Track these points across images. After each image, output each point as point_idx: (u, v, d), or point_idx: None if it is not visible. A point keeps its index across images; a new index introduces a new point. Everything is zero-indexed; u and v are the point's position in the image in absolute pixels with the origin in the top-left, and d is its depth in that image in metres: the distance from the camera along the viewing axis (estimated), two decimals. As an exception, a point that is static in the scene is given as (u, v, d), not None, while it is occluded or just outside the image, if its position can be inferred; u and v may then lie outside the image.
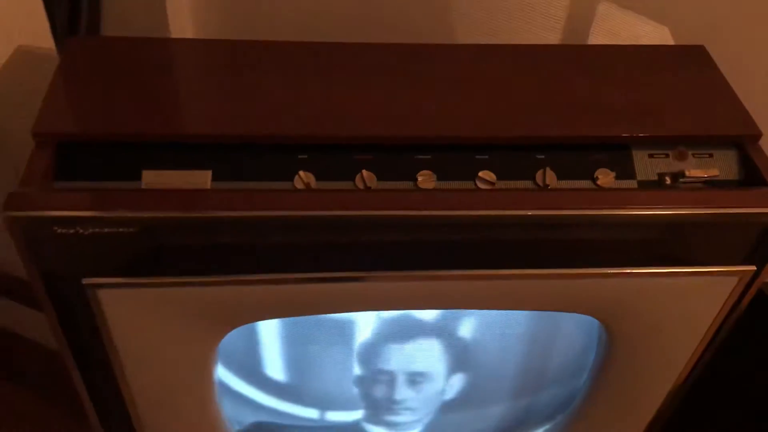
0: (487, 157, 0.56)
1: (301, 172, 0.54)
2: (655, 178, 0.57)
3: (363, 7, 0.74)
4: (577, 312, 0.58)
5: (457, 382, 0.69)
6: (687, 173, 0.57)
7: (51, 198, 0.49)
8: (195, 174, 0.53)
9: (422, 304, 0.58)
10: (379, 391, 0.68)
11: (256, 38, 0.62)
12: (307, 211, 0.50)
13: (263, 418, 0.70)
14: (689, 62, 0.64)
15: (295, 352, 0.65)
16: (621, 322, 0.59)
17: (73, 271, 0.50)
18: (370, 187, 0.53)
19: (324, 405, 0.71)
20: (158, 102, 0.56)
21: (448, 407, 0.71)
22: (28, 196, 0.48)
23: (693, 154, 0.58)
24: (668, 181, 0.57)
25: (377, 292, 0.55)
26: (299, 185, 0.53)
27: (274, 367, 0.66)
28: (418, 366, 0.67)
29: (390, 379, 0.67)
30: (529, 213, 0.51)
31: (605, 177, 0.56)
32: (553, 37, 0.75)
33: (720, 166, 0.58)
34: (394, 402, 0.69)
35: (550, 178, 0.55)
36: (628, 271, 0.54)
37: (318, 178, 0.54)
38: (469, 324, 0.64)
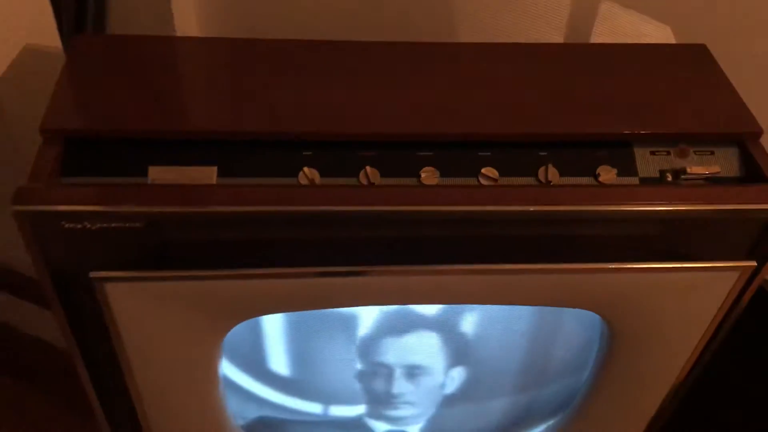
0: (489, 154, 0.56)
1: (305, 168, 0.54)
2: (657, 175, 0.57)
3: (366, 6, 0.74)
4: (578, 307, 0.58)
5: (457, 376, 0.69)
6: (688, 170, 0.57)
7: (59, 193, 0.49)
8: (201, 170, 0.54)
9: (426, 299, 0.58)
10: (379, 385, 0.69)
11: (260, 37, 0.63)
12: (311, 206, 0.50)
13: (266, 412, 0.71)
14: (691, 61, 0.65)
15: (297, 346, 0.65)
16: (623, 318, 0.59)
17: (80, 266, 0.51)
18: (373, 183, 0.54)
19: (326, 399, 0.71)
20: (164, 99, 0.57)
21: (449, 402, 0.72)
22: (36, 190, 0.49)
23: (694, 152, 0.58)
24: (669, 178, 0.57)
25: (381, 286, 0.55)
26: (303, 181, 0.54)
27: (277, 361, 0.67)
28: (417, 359, 0.67)
29: (388, 372, 0.67)
30: (531, 209, 0.52)
31: (607, 174, 0.56)
32: (555, 37, 0.76)
33: (721, 163, 0.58)
34: (392, 396, 0.70)
35: (553, 174, 0.56)
36: (630, 266, 0.55)
37: (322, 175, 0.54)
38: (468, 318, 0.65)
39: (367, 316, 0.63)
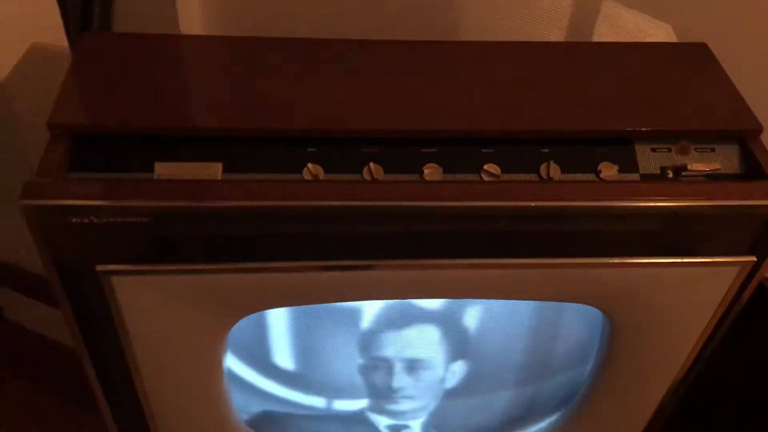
0: (492, 150, 0.57)
1: (309, 165, 0.55)
2: (658, 171, 0.58)
3: (370, 5, 0.75)
4: (579, 302, 0.59)
5: (458, 370, 0.70)
6: (689, 167, 0.58)
7: (66, 187, 0.50)
8: (206, 166, 0.54)
9: (428, 293, 0.59)
10: (379, 379, 0.69)
11: (264, 35, 0.64)
12: (315, 201, 0.51)
13: (269, 407, 0.71)
14: (692, 59, 0.65)
15: (299, 339, 0.66)
16: (624, 313, 0.60)
17: (87, 260, 0.52)
18: (377, 179, 0.54)
19: (328, 393, 0.72)
20: (170, 96, 0.58)
21: (450, 396, 0.72)
22: (44, 185, 0.49)
23: (695, 149, 0.59)
24: (670, 174, 0.58)
25: (384, 280, 0.56)
26: (308, 177, 0.54)
27: (279, 354, 0.67)
28: (417, 353, 0.67)
29: (388, 366, 0.68)
30: (533, 204, 0.52)
31: (608, 170, 0.57)
32: (557, 36, 0.76)
33: (721, 160, 0.59)
34: (393, 390, 0.70)
35: (554, 171, 0.56)
36: (631, 261, 0.55)
37: (326, 171, 0.55)
38: (468, 313, 0.65)
39: (368, 311, 0.63)
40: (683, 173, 0.58)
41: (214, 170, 0.54)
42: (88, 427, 1.05)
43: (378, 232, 0.53)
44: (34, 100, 0.72)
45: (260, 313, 0.59)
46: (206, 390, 0.62)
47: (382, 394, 0.71)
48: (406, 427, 0.75)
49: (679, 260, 0.56)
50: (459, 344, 0.67)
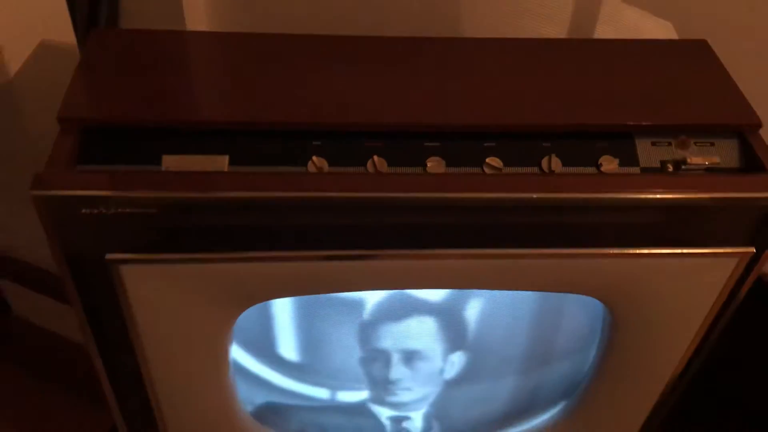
0: (494, 144, 0.58)
1: (314, 158, 0.55)
2: (658, 165, 0.59)
3: (374, 3, 0.76)
4: (581, 293, 0.60)
5: (457, 361, 0.70)
6: (689, 161, 0.58)
7: (75, 178, 0.51)
8: (213, 159, 0.55)
9: (431, 283, 0.59)
10: (379, 371, 0.70)
11: (269, 32, 0.65)
12: (319, 192, 0.52)
13: (273, 398, 0.72)
14: (692, 55, 0.66)
15: (302, 331, 0.67)
16: (624, 304, 0.60)
17: (96, 250, 0.52)
18: (381, 172, 0.55)
19: (329, 384, 0.72)
20: (176, 90, 0.59)
21: (450, 388, 0.73)
22: (54, 176, 0.50)
23: (695, 143, 0.60)
24: (670, 168, 0.59)
25: (387, 270, 0.56)
26: (313, 170, 0.55)
27: (283, 345, 0.68)
28: (416, 344, 0.68)
29: (388, 358, 0.68)
30: (535, 196, 0.53)
31: (609, 164, 0.58)
32: (558, 34, 0.77)
33: (721, 154, 0.59)
34: (392, 381, 0.71)
35: (556, 164, 0.57)
36: (631, 251, 0.56)
37: (331, 164, 0.56)
38: (467, 304, 0.66)
39: (368, 302, 0.64)
40: (683, 167, 0.58)
41: (220, 163, 0.55)
42: (96, 422, 1.06)
43: (382, 223, 0.54)
44: (43, 95, 0.73)
45: (263, 304, 0.59)
46: (213, 380, 0.63)
47: (382, 386, 0.72)
48: (408, 418, 0.76)
49: (678, 251, 0.56)
50: (458, 335, 0.68)
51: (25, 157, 0.82)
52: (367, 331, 0.66)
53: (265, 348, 0.68)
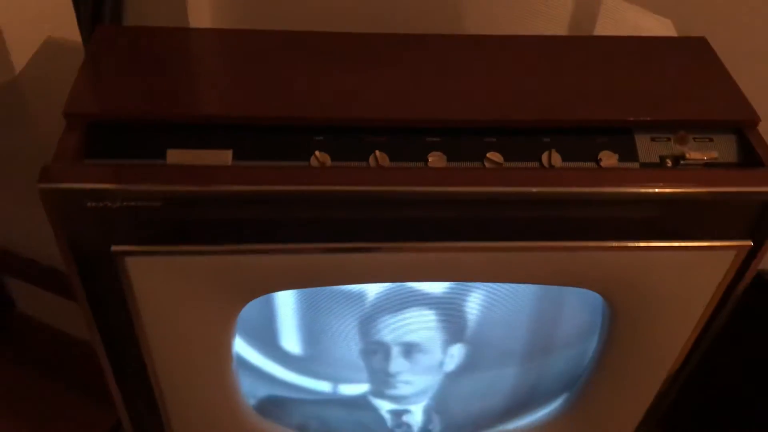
0: (495, 139, 0.58)
1: (317, 152, 0.56)
2: (657, 160, 0.59)
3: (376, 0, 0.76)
4: (580, 286, 0.60)
5: (457, 354, 0.71)
6: (687, 156, 0.59)
7: (81, 171, 0.51)
8: (216, 153, 0.56)
9: (432, 275, 0.60)
10: (379, 364, 0.70)
11: (272, 29, 0.65)
12: (321, 186, 0.52)
13: (276, 391, 0.73)
14: (691, 52, 0.67)
15: (302, 323, 0.67)
16: (623, 297, 0.61)
17: (102, 243, 0.53)
18: (383, 167, 0.56)
19: (330, 377, 0.73)
20: (180, 86, 0.59)
21: (450, 381, 0.73)
22: (60, 169, 0.51)
23: (694, 138, 0.60)
24: (669, 163, 0.59)
25: (390, 262, 0.57)
26: (315, 164, 0.56)
27: (286, 338, 0.69)
28: (415, 337, 0.69)
29: (386, 350, 0.69)
30: (535, 190, 0.53)
31: (609, 159, 0.58)
32: (558, 31, 0.77)
33: (720, 149, 0.60)
34: (391, 374, 0.71)
35: (556, 159, 0.58)
36: (630, 244, 0.57)
37: (333, 159, 0.56)
38: (467, 296, 0.66)
39: (369, 295, 0.65)
40: (682, 162, 0.59)
41: (224, 157, 0.56)
42: (100, 419, 1.06)
43: (384, 216, 0.55)
44: (48, 92, 0.73)
45: (265, 297, 0.60)
46: (216, 373, 0.64)
47: (382, 378, 0.72)
48: (408, 411, 0.76)
49: (677, 244, 0.57)
50: (457, 328, 0.68)
51: (30, 153, 0.82)
52: (367, 323, 0.67)
53: (267, 340, 0.69)
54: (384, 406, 0.75)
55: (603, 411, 0.73)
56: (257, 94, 0.59)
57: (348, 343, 0.68)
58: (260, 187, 0.52)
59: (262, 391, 0.72)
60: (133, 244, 0.53)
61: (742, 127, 0.60)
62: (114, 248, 0.52)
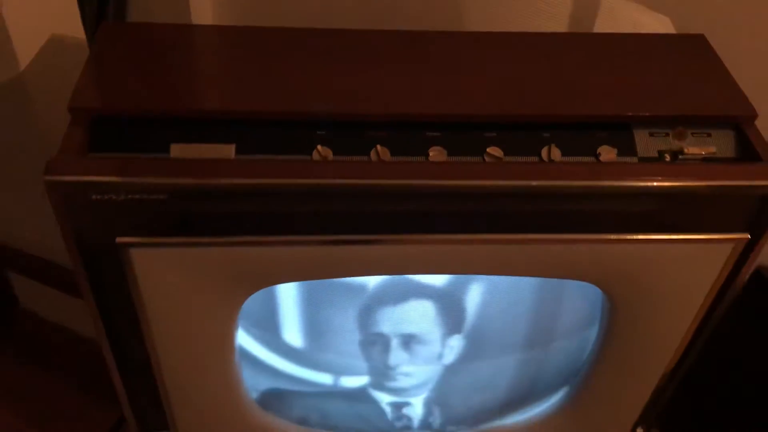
0: (495, 134, 0.59)
1: (319, 147, 0.57)
2: (656, 155, 0.60)
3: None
4: (579, 279, 0.61)
5: (455, 345, 0.71)
6: (686, 151, 0.59)
7: (86, 164, 0.52)
8: (220, 147, 0.56)
9: (433, 268, 0.61)
10: (377, 355, 0.71)
11: (273, 26, 0.66)
12: (324, 179, 0.53)
13: (278, 384, 0.73)
14: (689, 49, 0.67)
15: (303, 315, 0.68)
16: (622, 290, 0.61)
17: (107, 236, 0.54)
18: (384, 161, 0.57)
19: (331, 369, 0.73)
20: (184, 81, 0.60)
21: (449, 374, 0.74)
22: (65, 162, 0.52)
23: (692, 133, 0.61)
24: (668, 158, 0.60)
25: (390, 255, 0.58)
26: (317, 159, 0.57)
27: (288, 330, 0.69)
28: (414, 329, 0.69)
29: (386, 342, 0.70)
30: (534, 183, 0.54)
31: (607, 154, 0.59)
32: (558, 28, 0.78)
33: (718, 144, 0.60)
34: (390, 366, 0.72)
35: (555, 154, 0.58)
36: (628, 237, 0.57)
37: (335, 153, 0.57)
38: (465, 288, 0.67)
39: (369, 287, 0.65)
40: (680, 157, 0.60)
41: (227, 152, 0.56)
42: (103, 416, 1.06)
43: (385, 209, 0.55)
44: (52, 89, 0.74)
45: (267, 289, 0.60)
46: (220, 366, 0.64)
47: (382, 371, 0.73)
48: (408, 404, 0.77)
49: (675, 237, 0.57)
50: (456, 319, 0.69)
51: (34, 149, 0.83)
52: (367, 315, 0.67)
53: (268, 332, 0.69)
54: (384, 399, 0.76)
55: (603, 404, 0.74)
56: (260, 89, 0.59)
57: (348, 335, 0.69)
58: (263, 180, 0.53)
59: (264, 383, 0.73)
60: (138, 236, 0.54)
61: (739, 122, 0.61)
62: (119, 240, 0.53)
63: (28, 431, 1.05)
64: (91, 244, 0.55)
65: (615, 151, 0.59)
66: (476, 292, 0.67)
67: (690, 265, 0.59)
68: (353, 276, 0.61)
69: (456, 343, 0.71)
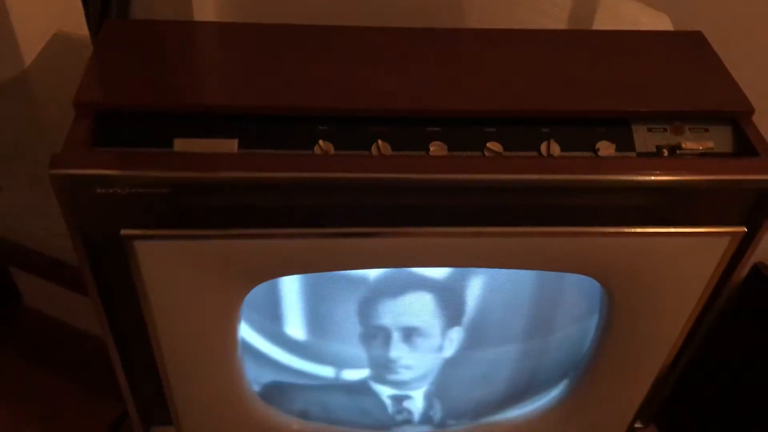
0: (494, 130, 0.60)
1: (320, 142, 0.57)
2: (654, 150, 0.60)
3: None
4: (578, 272, 0.61)
5: (455, 338, 0.72)
6: (684, 146, 0.60)
7: (91, 158, 0.53)
8: (222, 142, 0.57)
9: (433, 260, 0.61)
10: (378, 348, 0.71)
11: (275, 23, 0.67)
12: (325, 173, 0.54)
13: (279, 377, 0.74)
14: (687, 46, 0.68)
15: (304, 307, 0.68)
16: (621, 283, 0.62)
17: (111, 229, 0.54)
18: (385, 155, 0.57)
19: (332, 362, 0.74)
20: (187, 77, 0.61)
21: (449, 367, 0.74)
22: (70, 156, 0.52)
23: (689, 129, 0.61)
24: (666, 153, 0.60)
25: (391, 247, 0.58)
26: (319, 153, 0.57)
27: (290, 323, 0.70)
28: (415, 321, 0.70)
29: (386, 335, 0.70)
30: (534, 177, 0.55)
31: (606, 149, 0.59)
32: (557, 26, 0.79)
33: (715, 140, 0.61)
34: (391, 359, 0.72)
35: (554, 149, 0.59)
36: (626, 230, 0.58)
37: (336, 148, 0.58)
38: (467, 281, 0.67)
39: (369, 279, 0.66)
40: (678, 152, 0.60)
41: (230, 146, 0.57)
42: (106, 412, 1.07)
43: (385, 203, 0.56)
44: (56, 85, 0.75)
45: (268, 282, 0.61)
46: (222, 358, 0.65)
47: (383, 363, 0.73)
48: (409, 397, 0.77)
49: (673, 230, 0.58)
50: (455, 311, 0.69)
51: (38, 146, 0.84)
52: (368, 307, 0.68)
53: (270, 325, 0.70)
54: (385, 392, 0.77)
55: (601, 398, 0.74)
56: (262, 85, 0.60)
57: (349, 327, 0.69)
58: (265, 174, 0.53)
59: (266, 377, 0.74)
60: (142, 229, 0.55)
61: (737, 117, 0.62)
62: (123, 232, 0.53)
63: (29, 427, 1.05)
64: (96, 238, 0.56)
65: (614, 146, 0.60)
66: (476, 284, 0.67)
67: (688, 257, 0.60)
68: (355, 268, 0.62)
69: (456, 335, 0.71)
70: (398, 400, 0.77)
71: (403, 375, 0.75)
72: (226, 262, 0.56)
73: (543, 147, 0.59)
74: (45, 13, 0.76)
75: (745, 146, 0.60)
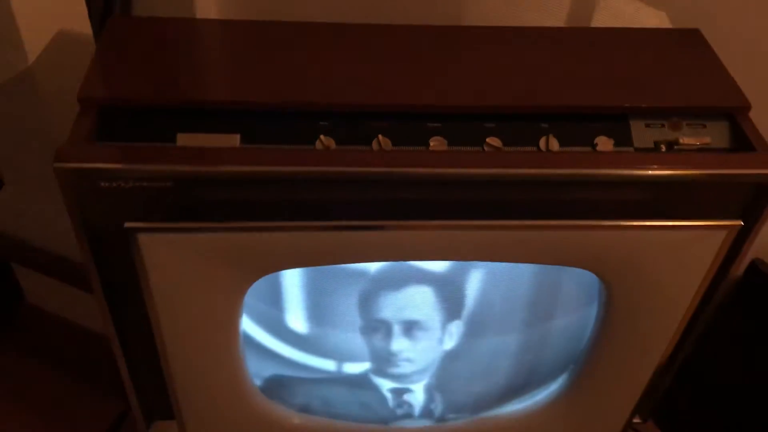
0: (494, 125, 0.60)
1: (322, 137, 0.58)
2: (652, 145, 0.61)
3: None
4: (576, 266, 0.62)
5: (455, 331, 0.72)
6: (681, 141, 0.61)
7: (95, 152, 0.53)
8: (225, 137, 0.58)
9: (433, 254, 0.62)
10: (378, 341, 0.72)
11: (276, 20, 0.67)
12: (326, 167, 0.54)
13: (281, 371, 0.74)
14: (685, 43, 0.69)
15: (305, 301, 0.69)
16: (619, 276, 0.62)
17: (115, 222, 0.55)
18: (385, 150, 0.58)
19: (332, 355, 0.74)
20: (190, 73, 0.61)
21: (449, 360, 0.75)
22: (75, 150, 0.53)
23: (687, 124, 0.62)
24: (663, 148, 0.61)
25: (392, 241, 0.59)
26: (320, 148, 0.58)
27: (291, 316, 0.70)
28: (415, 315, 0.70)
29: (387, 328, 0.71)
30: (533, 171, 0.55)
31: (604, 144, 0.60)
32: (556, 23, 0.79)
33: (713, 135, 0.62)
34: (392, 352, 0.73)
35: (553, 144, 0.60)
36: (624, 223, 0.58)
37: (337, 143, 0.58)
38: (467, 275, 0.68)
39: (369, 273, 0.67)
40: (675, 147, 0.61)
41: (232, 141, 0.58)
42: (109, 410, 1.07)
43: (386, 197, 0.57)
44: (60, 83, 0.75)
45: (270, 275, 0.62)
46: (225, 351, 0.65)
47: (383, 357, 0.74)
48: (409, 390, 0.78)
49: (670, 223, 0.59)
50: (455, 305, 0.70)
51: (42, 143, 0.84)
52: (369, 301, 0.69)
53: (272, 319, 0.70)
54: (386, 385, 0.77)
55: (600, 392, 0.75)
56: (264, 81, 0.60)
57: (350, 321, 0.70)
58: (266, 168, 0.54)
59: (267, 370, 0.74)
60: (145, 222, 0.55)
61: (734, 113, 0.62)
62: (127, 224, 0.54)
63: (31, 424, 1.06)
64: (100, 231, 0.56)
65: (612, 141, 0.60)
66: (476, 277, 0.68)
67: (685, 250, 0.60)
68: (356, 262, 0.62)
69: (456, 328, 0.72)
70: (399, 393, 0.78)
71: (404, 368, 0.75)
72: (229, 255, 0.57)
73: (542, 142, 0.60)
74: (49, 12, 0.77)
75: (741, 142, 0.61)
